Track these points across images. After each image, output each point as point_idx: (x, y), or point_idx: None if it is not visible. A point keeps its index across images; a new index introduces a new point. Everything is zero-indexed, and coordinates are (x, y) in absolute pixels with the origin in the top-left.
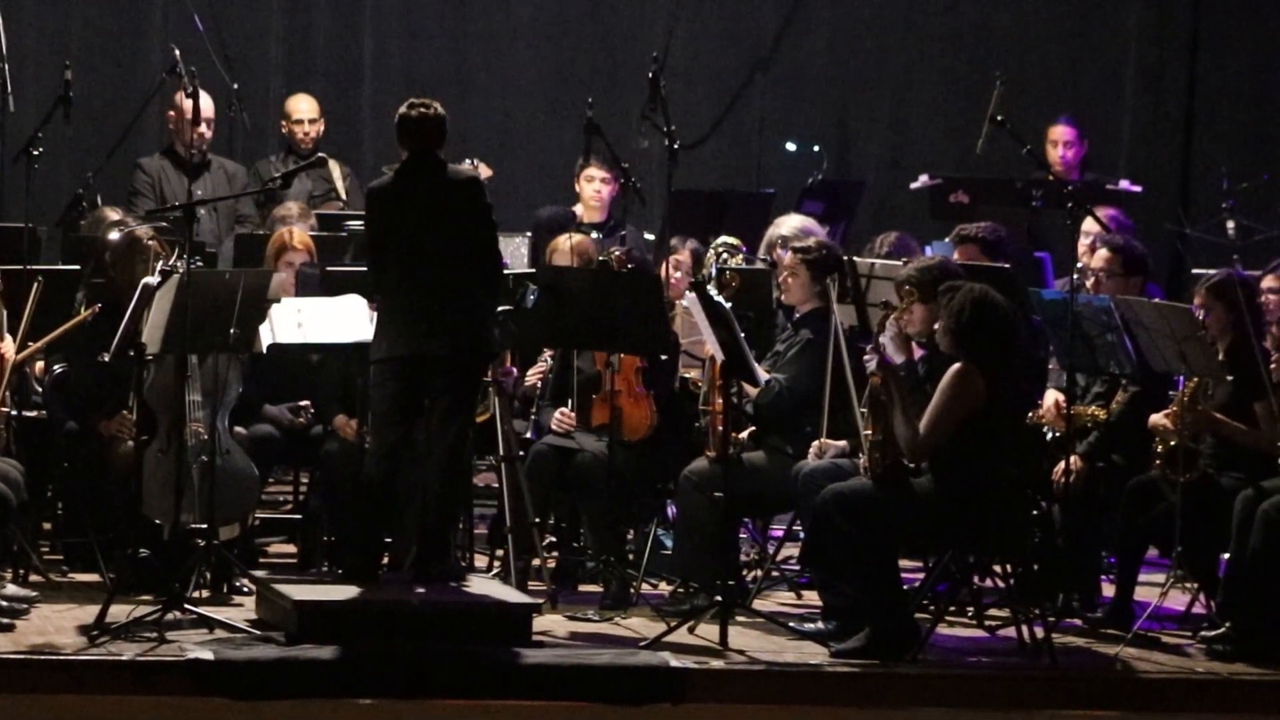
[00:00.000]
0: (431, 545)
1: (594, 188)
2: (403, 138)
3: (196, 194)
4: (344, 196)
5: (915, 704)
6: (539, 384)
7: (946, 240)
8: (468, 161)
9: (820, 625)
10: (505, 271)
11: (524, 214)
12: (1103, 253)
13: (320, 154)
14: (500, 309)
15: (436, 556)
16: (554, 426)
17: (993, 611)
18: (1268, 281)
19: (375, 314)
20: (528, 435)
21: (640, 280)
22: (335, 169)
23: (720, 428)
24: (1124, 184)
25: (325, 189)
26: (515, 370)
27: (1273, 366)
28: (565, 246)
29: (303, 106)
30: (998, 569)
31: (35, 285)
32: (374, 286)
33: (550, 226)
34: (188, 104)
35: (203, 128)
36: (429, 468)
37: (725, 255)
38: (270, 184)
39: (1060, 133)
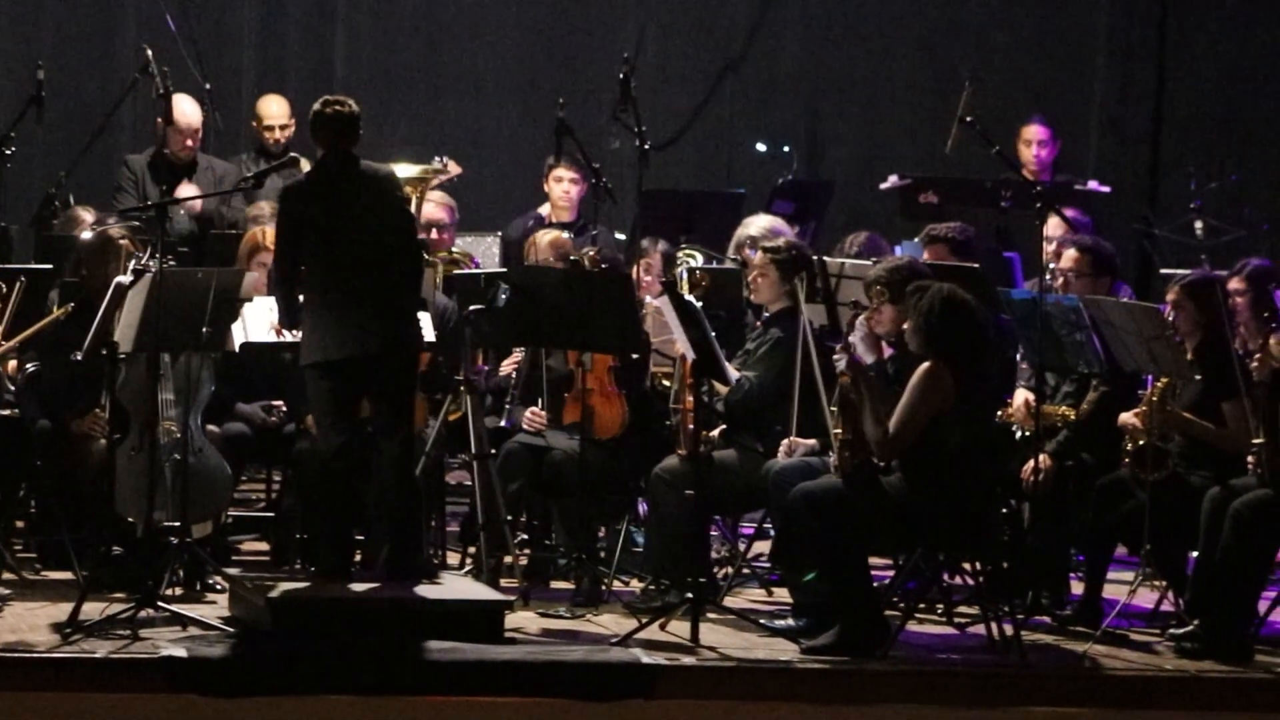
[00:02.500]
0: (402, 543)
1: (563, 188)
2: (317, 135)
3: (182, 193)
4: None
5: (885, 700)
6: (513, 374)
7: (916, 240)
8: (437, 160)
9: (791, 622)
10: (479, 271)
11: (495, 213)
12: (1071, 253)
13: (293, 154)
14: (472, 308)
15: (408, 554)
16: (525, 426)
17: (962, 609)
18: (1234, 284)
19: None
20: (501, 424)
21: (612, 279)
22: (306, 168)
23: (691, 426)
24: (1092, 184)
25: None
26: (487, 369)
27: (1253, 366)
28: (544, 241)
29: (274, 110)
30: (967, 566)
31: (18, 285)
32: (284, 286)
33: (521, 242)
34: (179, 112)
35: (189, 138)
36: (384, 468)
37: (691, 262)
38: (242, 184)
39: (1034, 132)
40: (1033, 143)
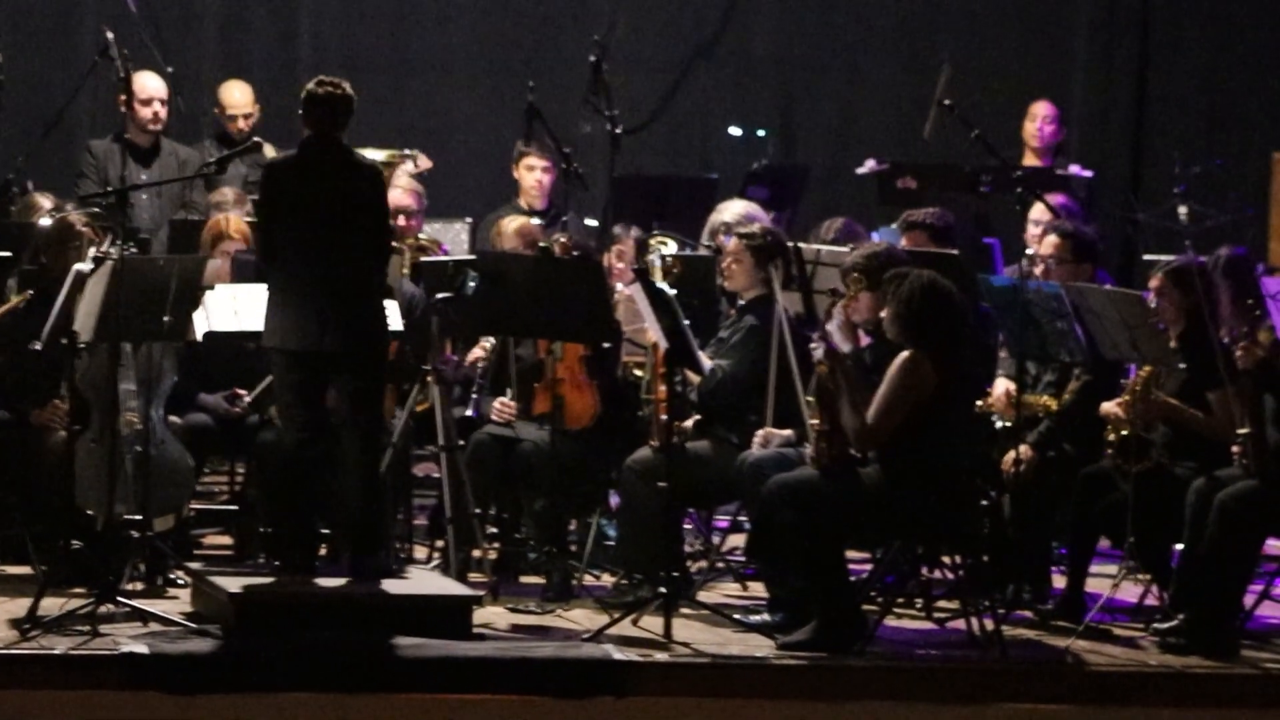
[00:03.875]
0: (363, 540)
1: (535, 177)
2: (308, 115)
3: (141, 178)
4: None
5: (863, 697)
6: (479, 362)
7: (894, 226)
8: (408, 154)
9: (766, 617)
10: (445, 258)
11: (463, 199)
12: (1052, 239)
13: (256, 139)
14: (439, 296)
15: (368, 551)
16: (494, 416)
17: (942, 603)
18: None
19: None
20: (468, 414)
21: (583, 267)
22: (270, 154)
23: (664, 416)
24: (1074, 168)
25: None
26: (455, 358)
27: (1238, 354)
28: (510, 229)
29: (236, 97)
30: (947, 560)
31: None
32: (264, 262)
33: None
34: (140, 84)
35: (156, 107)
36: (347, 464)
37: (664, 247)
38: (205, 169)
39: (1042, 108)
40: (1039, 117)
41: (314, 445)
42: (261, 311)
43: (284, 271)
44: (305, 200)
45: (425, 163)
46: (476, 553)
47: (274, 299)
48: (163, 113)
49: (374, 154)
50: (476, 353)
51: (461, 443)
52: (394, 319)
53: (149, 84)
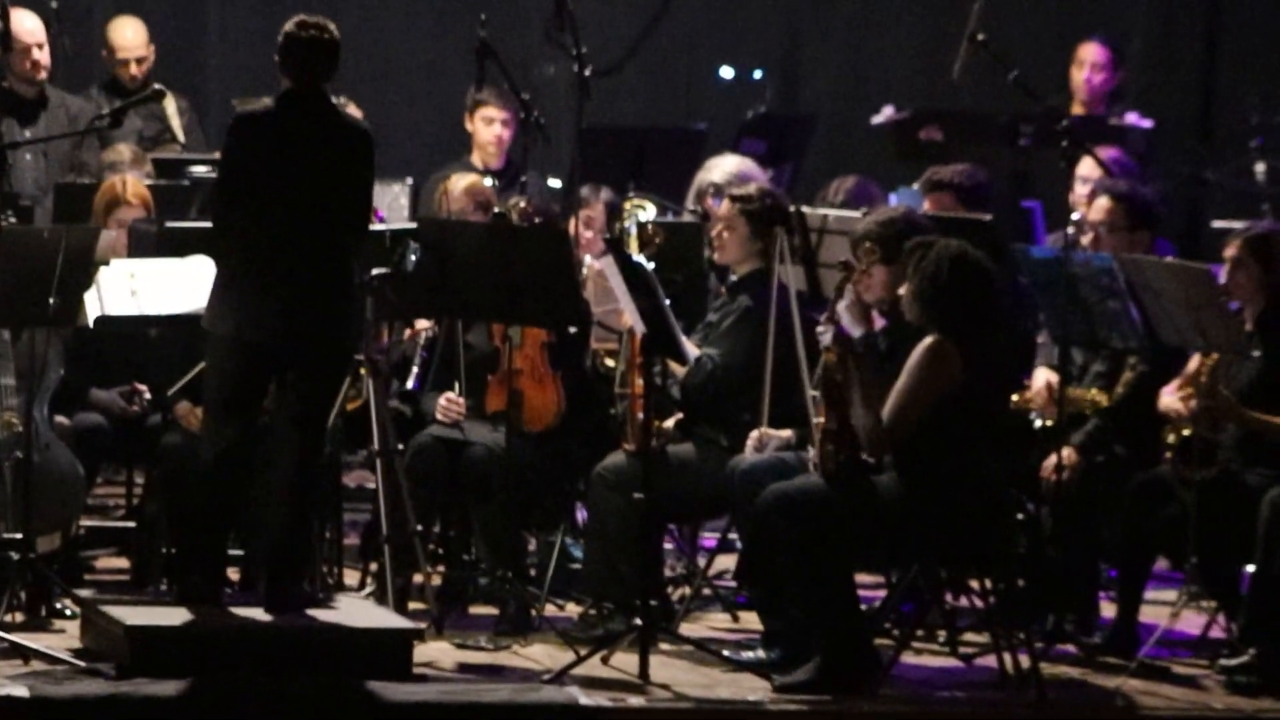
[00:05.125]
0: (283, 564)
1: (492, 130)
2: (286, 64)
3: (25, 135)
4: (181, 138)
5: None
6: (419, 343)
7: (915, 186)
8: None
9: (761, 654)
10: (382, 227)
11: (404, 156)
12: (1103, 201)
13: (157, 86)
14: (374, 272)
15: (289, 577)
16: (439, 415)
17: (969, 636)
18: None
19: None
20: (401, 406)
21: (545, 236)
22: (170, 104)
23: (640, 415)
24: (1131, 118)
25: (158, 129)
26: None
27: None
28: (459, 190)
29: (128, 38)
30: (975, 585)
31: None
32: (220, 233)
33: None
34: (16, 25)
35: (36, 54)
36: (278, 473)
37: (641, 212)
38: (97, 123)
39: (1090, 52)
40: (1086, 64)
41: (238, 457)
42: (165, 291)
43: (243, 246)
44: (280, 163)
45: (354, 112)
46: (417, 578)
47: (225, 278)
48: (44, 59)
49: None
50: (420, 325)
51: (400, 446)
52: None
53: (26, 24)
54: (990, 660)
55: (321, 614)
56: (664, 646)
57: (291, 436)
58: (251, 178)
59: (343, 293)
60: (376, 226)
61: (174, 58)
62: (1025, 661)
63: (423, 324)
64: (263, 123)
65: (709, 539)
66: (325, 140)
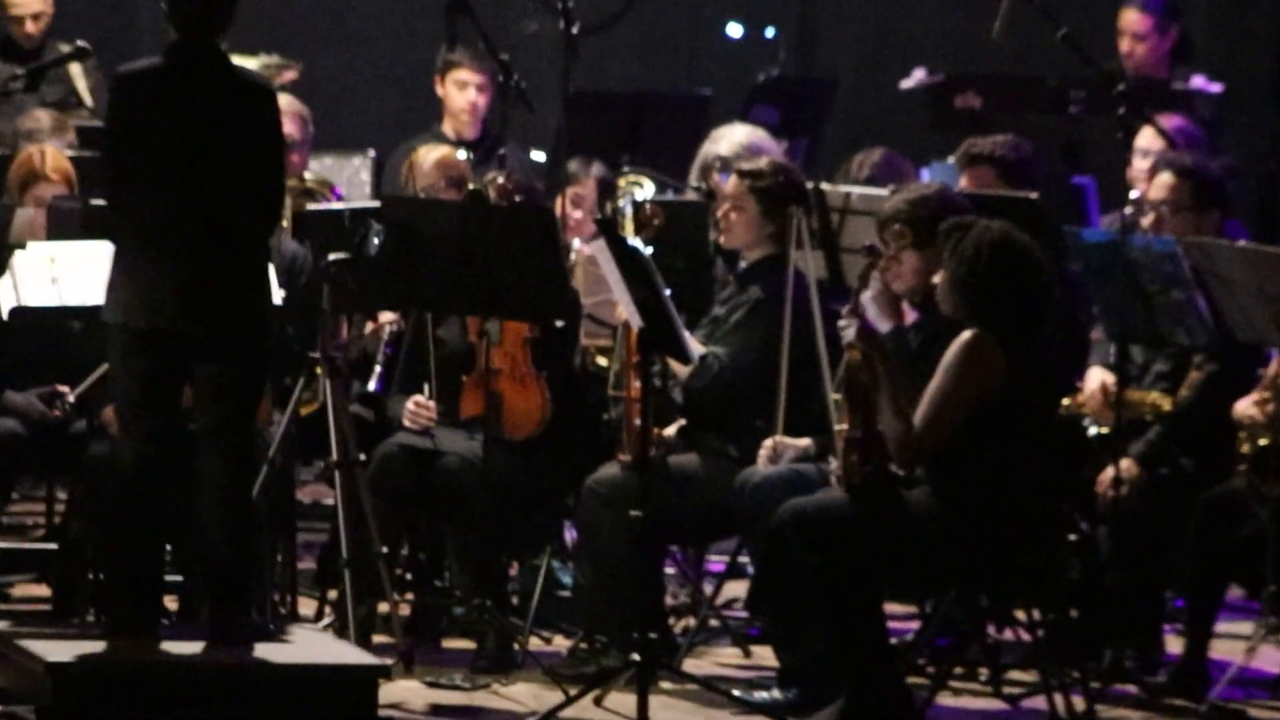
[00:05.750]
0: (228, 591)
1: (467, 96)
2: (175, 12)
3: None
4: (89, 101)
5: None
6: (381, 338)
7: (950, 160)
8: (284, 64)
9: (776, 694)
10: (341, 206)
11: (364, 125)
12: (1166, 177)
13: (82, 43)
14: (332, 257)
15: (235, 607)
16: (407, 421)
17: (1015, 674)
18: None
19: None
20: (370, 388)
21: (527, 217)
22: (75, 65)
23: (638, 421)
24: (1198, 81)
25: (62, 92)
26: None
27: None
28: (429, 163)
29: None
30: (1021, 615)
31: None
32: (109, 207)
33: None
34: None
35: None
36: (207, 489)
37: (638, 190)
38: (11, 85)
39: (1130, 21)
40: (1125, 35)
41: (161, 461)
42: (91, 278)
43: (135, 222)
44: (170, 126)
45: (289, 73)
46: (383, 607)
47: (121, 259)
48: None
49: (242, 62)
50: (384, 318)
51: (363, 456)
52: (271, 289)
53: None
54: (1039, 702)
55: (272, 648)
56: (665, 685)
57: (212, 446)
58: (140, 144)
59: (251, 273)
60: (334, 205)
61: (101, 12)
62: (1079, 704)
63: (386, 317)
64: (149, 81)
65: (716, 563)
66: (222, 99)
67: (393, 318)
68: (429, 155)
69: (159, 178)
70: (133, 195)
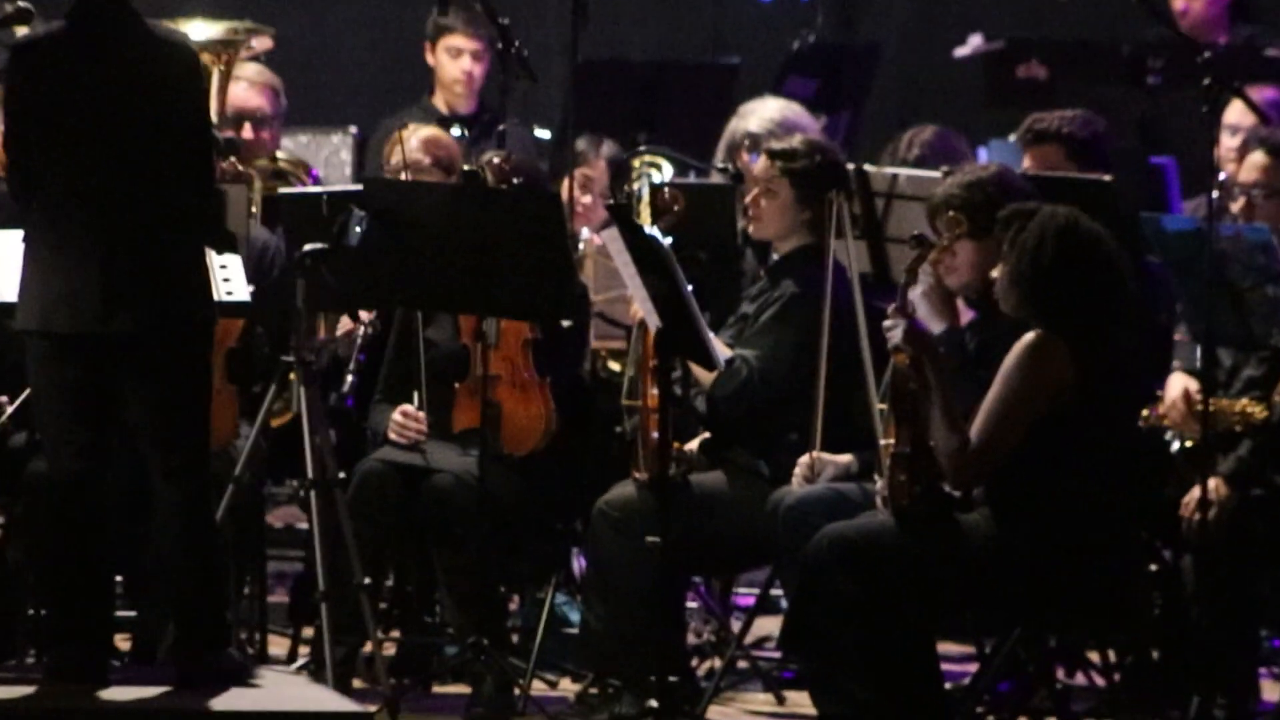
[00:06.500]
0: (190, 630)
1: (461, 65)
2: None
3: None
4: None
5: None
6: (358, 338)
7: (1012, 139)
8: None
9: None
10: (320, 189)
11: (345, 99)
12: (1258, 157)
13: (24, 4)
14: (308, 248)
15: (199, 646)
16: (393, 434)
17: None
18: None
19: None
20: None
21: (530, 202)
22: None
23: (655, 435)
24: None
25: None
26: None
27: None
28: (416, 141)
29: None
30: (1095, 657)
31: None
32: (16, 198)
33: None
34: None
35: None
36: (160, 513)
37: (655, 172)
38: None
39: None
40: None
41: (95, 479)
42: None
43: (47, 214)
44: (79, 100)
45: (265, 43)
46: (366, 646)
47: (33, 256)
48: None
49: (201, 27)
50: (363, 317)
51: (342, 475)
52: (236, 284)
53: None
54: None
55: (240, 694)
56: None
57: (158, 465)
58: (47, 123)
59: (182, 262)
60: (310, 189)
61: None
62: None
63: (362, 317)
64: (51, 49)
65: (745, 596)
66: (138, 65)
67: (367, 317)
68: (418, 133)
69: (71, 160)
70: (45, 183)
